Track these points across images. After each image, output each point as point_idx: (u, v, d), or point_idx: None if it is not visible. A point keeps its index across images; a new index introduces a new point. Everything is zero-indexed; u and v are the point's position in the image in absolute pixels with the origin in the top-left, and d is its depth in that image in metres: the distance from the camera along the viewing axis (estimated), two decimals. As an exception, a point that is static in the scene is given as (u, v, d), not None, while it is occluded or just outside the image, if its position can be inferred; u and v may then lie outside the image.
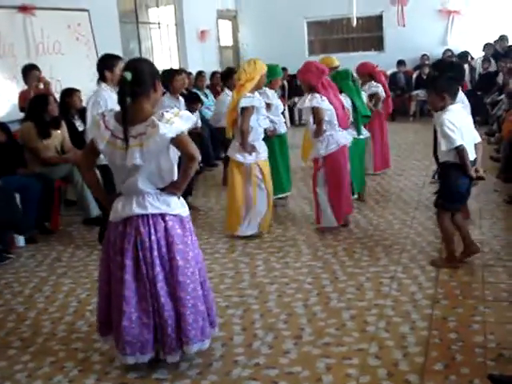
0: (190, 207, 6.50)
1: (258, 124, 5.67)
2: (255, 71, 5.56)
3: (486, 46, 13.20)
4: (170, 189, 3.26)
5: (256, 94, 5.71)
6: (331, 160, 5.60)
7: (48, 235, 6.27)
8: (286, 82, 13.57)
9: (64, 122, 6.69)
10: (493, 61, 12.74)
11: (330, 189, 5.65)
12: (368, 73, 7.77)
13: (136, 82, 3.11)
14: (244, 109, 5.50)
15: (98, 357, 3.63)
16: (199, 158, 3.18)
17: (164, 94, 6.78)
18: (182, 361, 3.42)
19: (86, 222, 6.54)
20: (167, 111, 3.11)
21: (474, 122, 4.94)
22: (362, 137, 6.85)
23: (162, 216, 3.26)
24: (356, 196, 6.74)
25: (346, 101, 6.48)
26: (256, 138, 5.68)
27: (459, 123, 4.39)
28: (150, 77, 3.21)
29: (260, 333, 3.80)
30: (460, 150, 4.36)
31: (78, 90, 7.11)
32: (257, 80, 5.56)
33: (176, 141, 3.09)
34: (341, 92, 6.47)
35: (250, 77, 5.54)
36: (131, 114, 3.12)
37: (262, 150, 5.78)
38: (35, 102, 6.48)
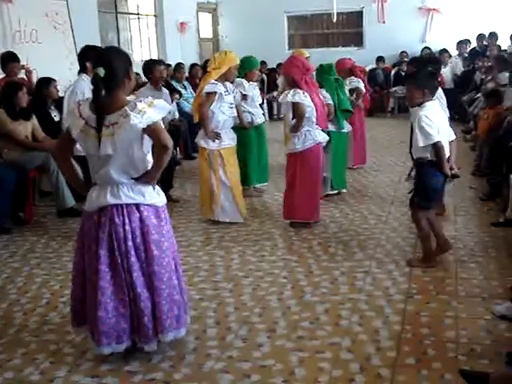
0: (170, 200, 6.60)
1: (221, 111, 5.73)
2: (223, 62, 5.70)
3: (459, 45, 13.35)
4: (143, 178, 3.24)
5: (228, 84, 5.87)
6: (307, 156, 5.59)
7: (22, 226, 6.20)
8: (264, 76, 13.56)
9: (36, 112, 6.58)
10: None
11: (303, 184, 5.64)
12: (348, 68, 7.81)
13: (109, 76, 3.09)
14: (207, 94, 5.63)
15: (69, 349, 3.59)
16: (171, 147, 3.16)
17: (145, 84, 6.77)
18: (155, 353, 3.40)
19: (60, 213, 6.46)
20: (141, 101, 3.10)
21: (452, 120, 4.96)
22: (345, 131, 6.90)
23: (137, 206, 3.24)
24: (335, 192, 6.79)
25: (326, 95, 6.51)
26: (221, 125, 5.76)
27: (436, 120, 4.40)
28: (123, 67, 3.18)
29: (234, 326, 3.79)
30: (437, 147, 4.36)
31: (54, 80, 7.02)
32: (223, 70, 5.67)
33: (148, 130, 3.08)
34: (321, 87, 6.49)
35: (217, 66, 5.69)
36: (105, 104, 3.10)
37: (228, 138, 5.86)
38: (7, 89, 6.41)
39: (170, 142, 3.14)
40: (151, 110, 3.08)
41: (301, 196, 5.63)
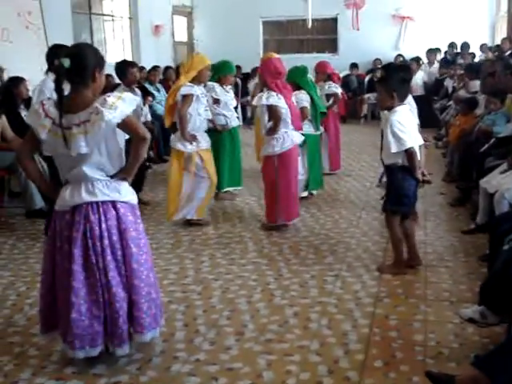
0: (141, 202, 6.54)
1: (198, 113, 5.72)
2: (192, 65, 5.70)
3: (429, 53, 13.52)
4: (120, 174, 3.19)
5: (201, 87, 5.88)
6: (285, 158, 5.60)
7: (-11, 227, 6.10)
8: (239, 80, 13.55)
9: (5, 112, 6.49)
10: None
11: (282, 186, 5.63)
12: (328, 73, 7.86)
13: (73, 70, 3.03)
14: (184, 96, 5.60)
15: (34, 351, 3.52)
16: (149, 138, 3.12)
17: (118, 85, 6.72)
18: (121, 356, 3.35)
19: (28, 214, 6.37)
20: (109, 96, 3.04)
21: (423, 127, 4.98)
22: (318, 133, 6.94)
23: (113, 203, 3.18)
24: (306, 194, 6.82)
25: (305, 97, 6.53)
26: (197, 127, 5.75)
27: (408, 125, 4.41)
28: (90, 66, 3.10)
29: (202, 329, 3.76)
30: (410, 153, 4.36)
31: (24, 79, 6.94)
32: (193, 74, 5.65)
33: (123, 125, 3.03)
34: (300, 88, 6.51)
35: (185, 70, 5.70)
36: (72, 102, 3.05)
37: (204, 140, 5.85)
38: None
39: (147, 133, 3.12)
40: (121, 102, 3.02)
41: (284, 197, 5.65)
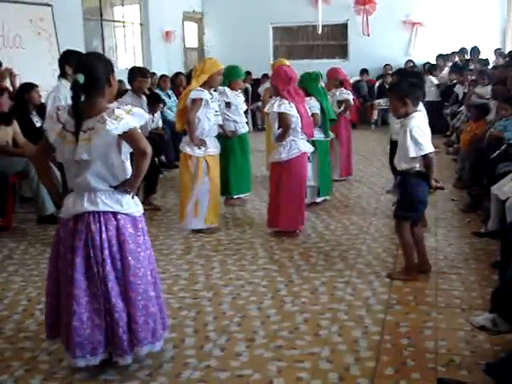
0: (153, 206, 6.60)
1: (207, 117, 5.73)
2: (203, 69, 5.72)
3: (439, 58, 13.50)
4: (123, 186, 3.20)
5: (213, 92, 5.91)
6: (292, 165, 5.61)
7: (0, 232, 6.11)
8: (249, 86, 13.57)
9: (17, 118, 6.53)
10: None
11: (288, 193, 5.64)
12: (339, 79, 7.86)
13: (89, 83, 3.07)
14: (193, 100, 5.64)
15: (45, 356, 3.54)
16: (150, 152, 3.13)
17: (127, 91, 6.74)
18: (132, 362, 3.35)
19: (40, 219, 6.40)
20: (119, 108, 3.07)
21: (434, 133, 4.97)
22: (328, 139, 6.95)
23: (114, 214, 3.19)
24: (320, 200, 6.85)
25: (316, 104, 6.53)
26: (206, 132, 5.76)
27: (425, 131, 4.42)
28: (104, 74, 3.15)
29: (212, 335, 3.76)
30: (428, 158, 4.36)
31: (36, 86, 6.97)
32: (205, 78, 5.67)
33: (125, 137, 3.05)
34: (310, 95, 6.50)
35: (197, 74, 5.73)
36: (85, 110, 3.08)
37: (212, 146, 5.87)
38: None
39: (148, 147, 3.11)
40: (129, 116, 3.05)
41: (286, 205, 5.65)
